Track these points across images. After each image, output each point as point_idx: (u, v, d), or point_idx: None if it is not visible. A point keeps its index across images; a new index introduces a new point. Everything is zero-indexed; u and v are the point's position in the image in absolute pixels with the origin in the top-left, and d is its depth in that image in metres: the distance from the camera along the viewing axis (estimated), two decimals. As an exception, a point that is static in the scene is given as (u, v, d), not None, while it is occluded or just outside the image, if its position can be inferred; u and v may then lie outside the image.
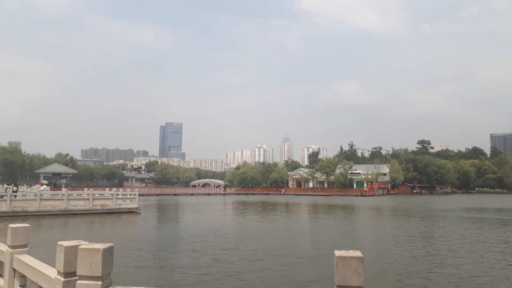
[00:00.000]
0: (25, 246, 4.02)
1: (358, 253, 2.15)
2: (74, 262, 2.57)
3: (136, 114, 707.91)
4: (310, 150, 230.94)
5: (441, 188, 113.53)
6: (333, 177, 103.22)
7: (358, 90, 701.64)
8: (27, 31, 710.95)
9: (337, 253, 2.16)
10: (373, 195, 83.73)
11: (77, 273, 2.47)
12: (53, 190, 48.74)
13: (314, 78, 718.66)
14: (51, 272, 3.02)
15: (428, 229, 23.00)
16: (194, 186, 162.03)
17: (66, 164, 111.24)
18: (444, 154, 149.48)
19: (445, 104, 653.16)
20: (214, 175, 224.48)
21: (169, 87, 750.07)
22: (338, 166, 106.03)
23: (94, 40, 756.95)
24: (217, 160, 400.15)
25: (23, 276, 3.75)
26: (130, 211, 31.62)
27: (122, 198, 33.68)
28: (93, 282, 2.40)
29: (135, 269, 11.56)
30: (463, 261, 13.29)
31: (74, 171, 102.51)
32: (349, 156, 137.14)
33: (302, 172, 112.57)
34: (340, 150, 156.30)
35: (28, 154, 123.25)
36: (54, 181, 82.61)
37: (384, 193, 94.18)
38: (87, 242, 2.62)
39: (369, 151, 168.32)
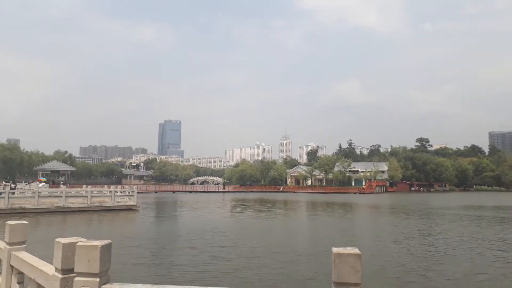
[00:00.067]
0: (23, 243, 4.02)
1: (355, 250, 2.16)
2: (72, 259, 2.56)
3: (136, 114, 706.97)
4: (309, 148, 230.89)
5: (439, 186, 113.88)
6: (331, 174, 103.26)
7: (358, 90, 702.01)
8: (27, 31, 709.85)
9: (335, 250, 2.17)
10: (372, 193, 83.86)
11: (75, 270, 2.46)
12: (52, 187, 48.74)
13: (314, 78, 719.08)
14: (49, 269, 3.01)
15: (426, 227, 23.09)
16: (192, 183, 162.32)
17: (64, 162, 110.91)
18: (442, 152, 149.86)
19: (445, 104, 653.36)
20: (213, 172, 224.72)
21: (169, 87, 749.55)
22: (337, 163, 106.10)
23: (94, 40, 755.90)
24: (216, 158, 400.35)
25: (20, 273, 3.74)
26: (128, 209, 31.64)
27: (120, 196, 33.66)
28: (91, 279, 2.39)
29: (133, 266, 11.58)
30: (461, 258, 13.35)
31: (73, 169, 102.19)
32: (348, 154, 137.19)
33: (301, 170, 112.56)
34: (338, 148, 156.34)
35: (27, 152, 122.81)
36: (53, 178, 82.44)
37: (382, 190, 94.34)
38: (85, 239, 2.61)
39: (367, 149, 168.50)
